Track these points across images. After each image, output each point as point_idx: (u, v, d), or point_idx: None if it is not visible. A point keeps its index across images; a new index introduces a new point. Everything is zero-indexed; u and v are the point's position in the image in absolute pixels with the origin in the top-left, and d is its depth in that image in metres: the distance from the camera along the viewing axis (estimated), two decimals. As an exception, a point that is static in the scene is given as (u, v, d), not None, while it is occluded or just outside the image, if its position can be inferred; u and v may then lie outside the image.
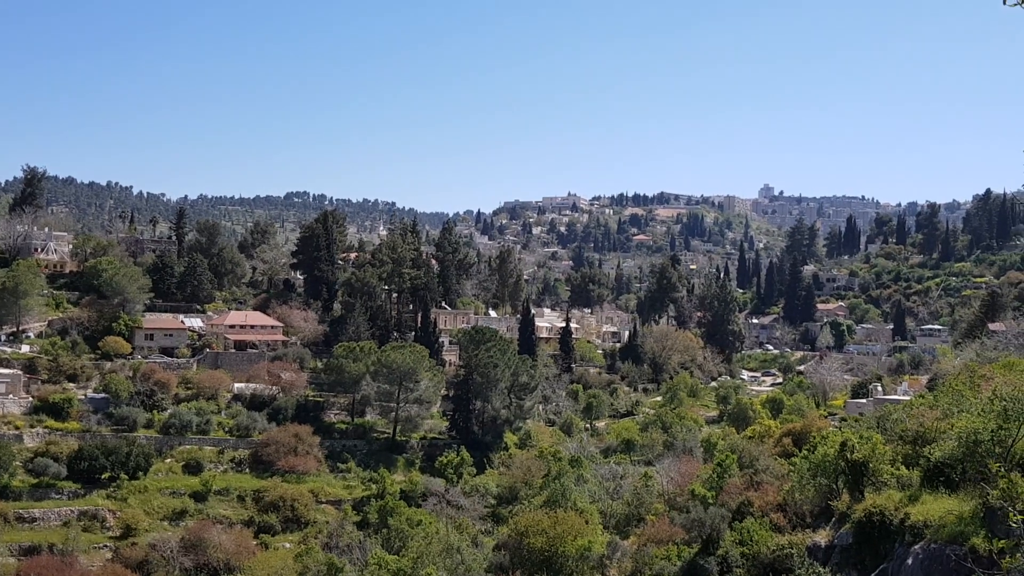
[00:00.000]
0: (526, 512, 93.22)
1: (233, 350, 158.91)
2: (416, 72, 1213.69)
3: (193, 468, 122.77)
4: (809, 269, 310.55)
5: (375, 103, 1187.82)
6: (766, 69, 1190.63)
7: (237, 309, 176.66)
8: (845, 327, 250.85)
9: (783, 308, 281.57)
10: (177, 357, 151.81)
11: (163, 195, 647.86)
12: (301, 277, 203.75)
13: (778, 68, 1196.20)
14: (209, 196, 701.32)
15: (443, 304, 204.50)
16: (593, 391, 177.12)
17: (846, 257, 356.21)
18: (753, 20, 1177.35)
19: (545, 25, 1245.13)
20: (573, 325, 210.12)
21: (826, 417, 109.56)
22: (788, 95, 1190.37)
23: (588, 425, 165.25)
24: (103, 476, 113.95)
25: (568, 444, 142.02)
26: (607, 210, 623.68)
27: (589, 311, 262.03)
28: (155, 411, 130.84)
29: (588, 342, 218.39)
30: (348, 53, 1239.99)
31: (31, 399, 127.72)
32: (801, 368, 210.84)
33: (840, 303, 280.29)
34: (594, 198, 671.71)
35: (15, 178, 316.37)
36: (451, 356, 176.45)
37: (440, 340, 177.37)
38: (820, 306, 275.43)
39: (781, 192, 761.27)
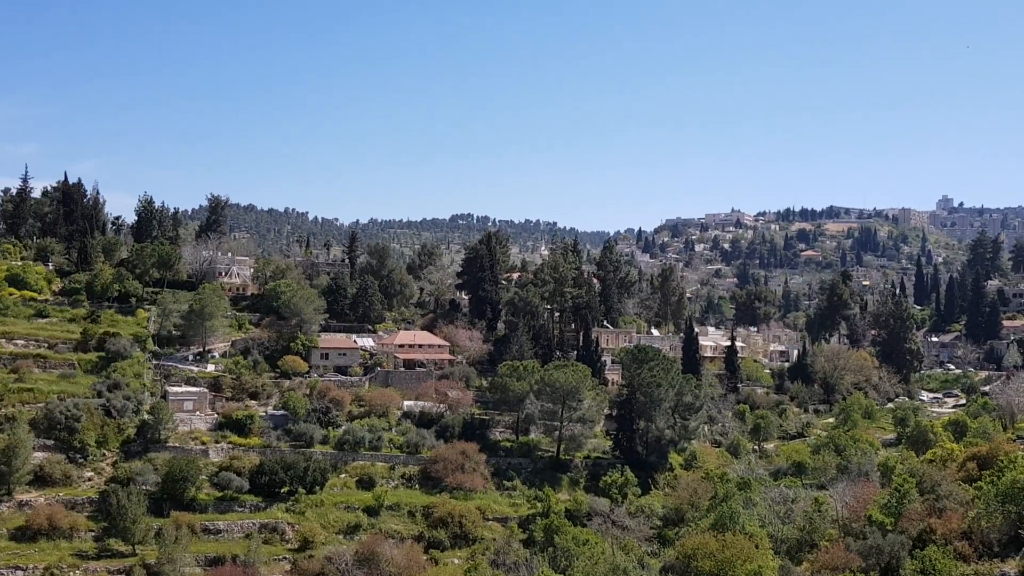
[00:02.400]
0: (693, 534, 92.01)
1: (402, 369, 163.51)
2: (576, 89, 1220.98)
3: (366, 483, 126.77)
4: (993, 284, 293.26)
5: (536, 124, 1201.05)
6: (942, 67, 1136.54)
7: (406, 329, 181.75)
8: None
9: (965, 325, 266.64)
10: (350, 375, 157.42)
11: (336, 220, 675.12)
12: (466, 297, 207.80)
13: (955, 66, 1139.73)
14: (379, 220, 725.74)
15: (605, 323, 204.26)
16: (761, 412, 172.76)
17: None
18: (932, 11, 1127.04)
19: (705, 37, 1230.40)
20: (739, 344, 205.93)
21: (1014, 441, 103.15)
22: (967, 97, 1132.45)
23: (756, 447, 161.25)
24: (282, 490, 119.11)
25: (735, 466, 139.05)
26: (773, 225, 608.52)
27: (755, 329, 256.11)
28: (330, 427, 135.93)
29: (754, 361, 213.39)
30: (508, 74, 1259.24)
31: (216, 415, 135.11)
32: (986, 389, 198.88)
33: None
34: (759, 213, 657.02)
35: (200, 206, 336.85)
36: (613, 375, 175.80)
37: (602, 359, 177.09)
38: (1006, 323, 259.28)
39: (961, 204, 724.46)
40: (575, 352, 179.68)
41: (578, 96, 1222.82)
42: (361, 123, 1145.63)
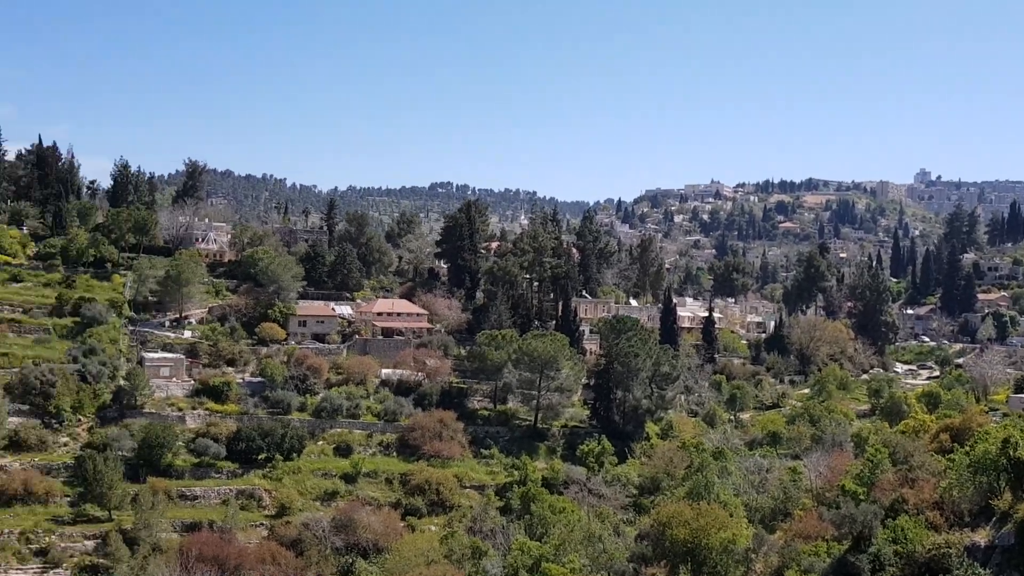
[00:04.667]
0: (668, 503, 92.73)
1: (380, 337, 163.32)
2: (557, 57, 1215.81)
3: (343, 451, 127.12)
4: (969, 257, 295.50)
5: (516, 94, 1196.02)
6: (920, 46, 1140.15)
7: (384, 297, 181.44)
8: (1008, 318, 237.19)
9: (940, 298, 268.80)
10: (328, 343, 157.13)
11: (315, 187, 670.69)
12: (445, 266, 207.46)
13: (932, 45, 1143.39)
14: (358, 187, 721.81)
15: (584, 293, 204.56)
16: (737, 382, 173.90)
17: (1009, 245, 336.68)
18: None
19: (688, 9, 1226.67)
20: (716, 315, 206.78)
21: (987, 413, 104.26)
22: (945, 73, 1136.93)
23: (732, 417, 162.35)
24: (259, 457, 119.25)
25: (711, 436, 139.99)
26: (752, 197, 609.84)
27: (733, 301, 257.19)
28: (308, 395, 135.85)
29: (732, 332, 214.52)
30: (490, 42, 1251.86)
31: (193, 382, 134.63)
32: (960, 361, 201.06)
33: (1003, 293, 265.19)
34: (738, 185, 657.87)
35: (177, 171, 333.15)
36: (592, 345, 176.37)
37: (581, 329, 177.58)
38: (981, 296, 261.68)
39: (939, 177, 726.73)
40: (553, 322, 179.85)
41: (559, 64, 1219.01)
42: (341, 89, 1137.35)
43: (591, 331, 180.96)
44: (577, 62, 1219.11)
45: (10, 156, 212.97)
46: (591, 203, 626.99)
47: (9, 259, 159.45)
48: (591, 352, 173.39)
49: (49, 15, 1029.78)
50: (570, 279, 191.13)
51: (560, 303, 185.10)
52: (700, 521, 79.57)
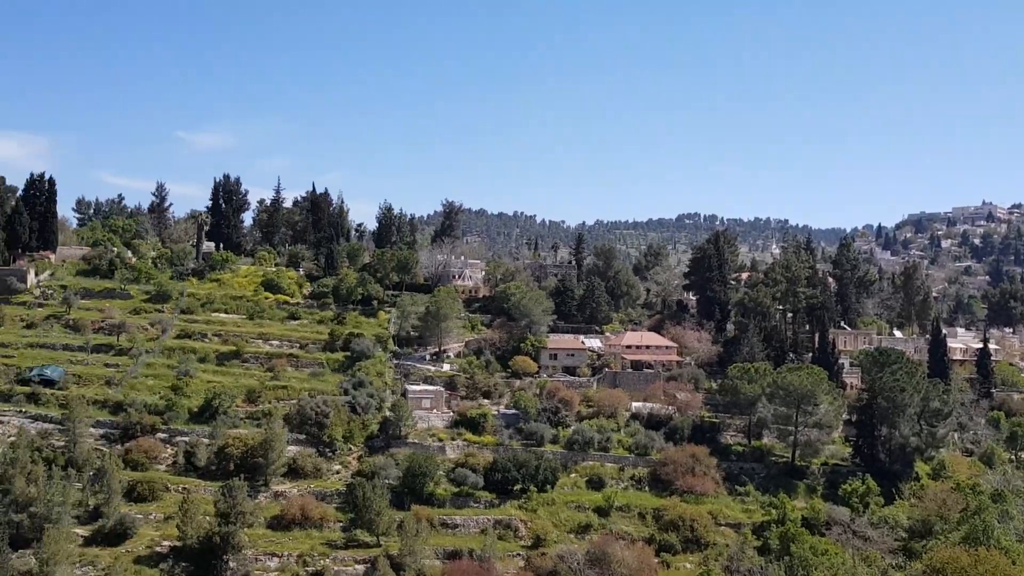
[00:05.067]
0: (942, 548, 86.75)
1: (630, 370, 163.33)
2: (808, 80, 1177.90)
3: (595, 484, 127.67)
4: None
5: (765, 122, 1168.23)
6: None
7: (632, 330, 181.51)
8: None
9: None
10: (578, 376, 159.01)
11: (563, 222, 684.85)
12: (693, 298, 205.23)
13: None
14: (605, 221, 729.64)
15: (842, 324, 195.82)
16: (1017, 419, 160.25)
17: None
18: None
19: (949, 27, 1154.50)
20: (992, 346, 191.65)
21: None
22: None
23: (1012, 457, 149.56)
24: (515, 488, 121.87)
25: (989, 476, 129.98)
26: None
27: (1010, 331, 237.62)
28: (560, 427, 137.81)
29: (1010, 365, 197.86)
30: (737, 74, 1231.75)
31: (452, 414, 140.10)
32: None
33: None
34: (1014, 206, 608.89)
35: (435, 212, 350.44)
36: (852, 379, 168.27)
37: (839, 362, 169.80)
38: None
39: None
40: (810, 354, 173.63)
41: (810, 88, 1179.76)
42: (587, 126, 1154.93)
43: (851, 364, 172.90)
44: (833, 84, 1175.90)
45: (288, 204, 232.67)
46: (847, 229, 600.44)
47: (288, 298, 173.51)
48: (851, 386, 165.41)
49: (322, 76, 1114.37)
50: (826, 309, 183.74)
51: (816, 335, 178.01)
52: (979, 569, 73.97)
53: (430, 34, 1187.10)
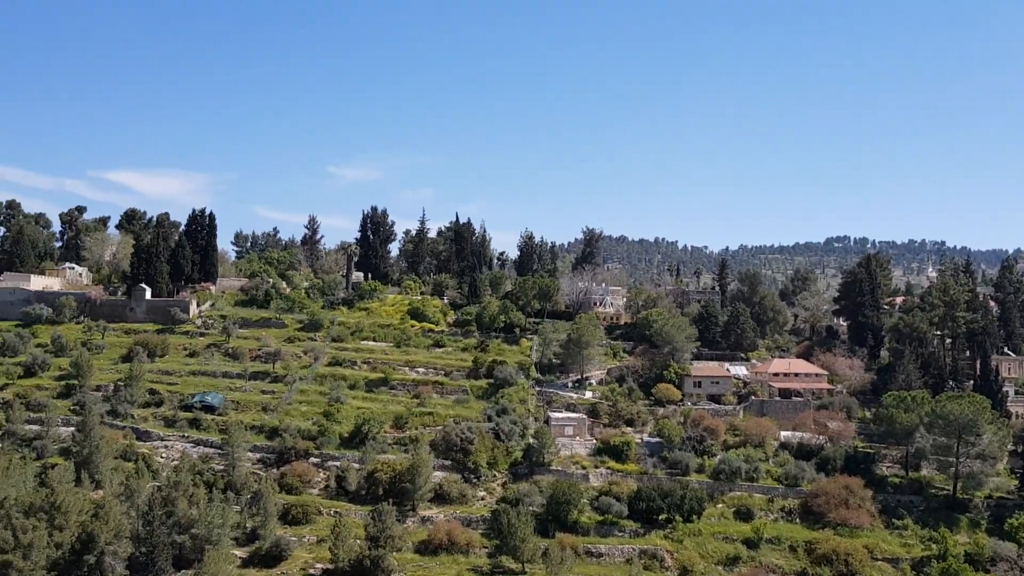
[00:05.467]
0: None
1: (777, 398, 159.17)
2: (962, 92, 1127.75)
3: (743, 514, 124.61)
4: None
5: (916, 135, 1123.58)
6: None
7: (780, 357, 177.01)
8: None
9: None
10: (723, 404, 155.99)
11: (705, 247, 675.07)
12: (844, 324, 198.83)
13: None
14: (749, 246, 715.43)
15: (1005, 350, 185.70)
16: None
17: None
18: None
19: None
20: None
21: None
22: None
23: None
24: (659, 517, 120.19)
25: None
26: None
27: None
28: (705, 456, 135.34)
29: None
30: (872, 87, 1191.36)
31: (594, 441, 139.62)
32: None
33: None
34: None
35: (576, 239, 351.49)
36: (1017, 407, 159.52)
37: (1003, 389, 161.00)
38: None
39: None
40: (971, 382, 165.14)
41: (965, 101, 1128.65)
42: (729, 150, 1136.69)
43: (1016, 392, 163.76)
44: (988, 94, 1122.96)
45: (432, 233, 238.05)
46: (1010, 251, 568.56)
47: (432, 326, 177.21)
48: (1017, 415, 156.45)
49: (463, 109, 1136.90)
50: (988, 334, 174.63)
51: (977, 361, 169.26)
52: None
53: (570, 65, 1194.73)
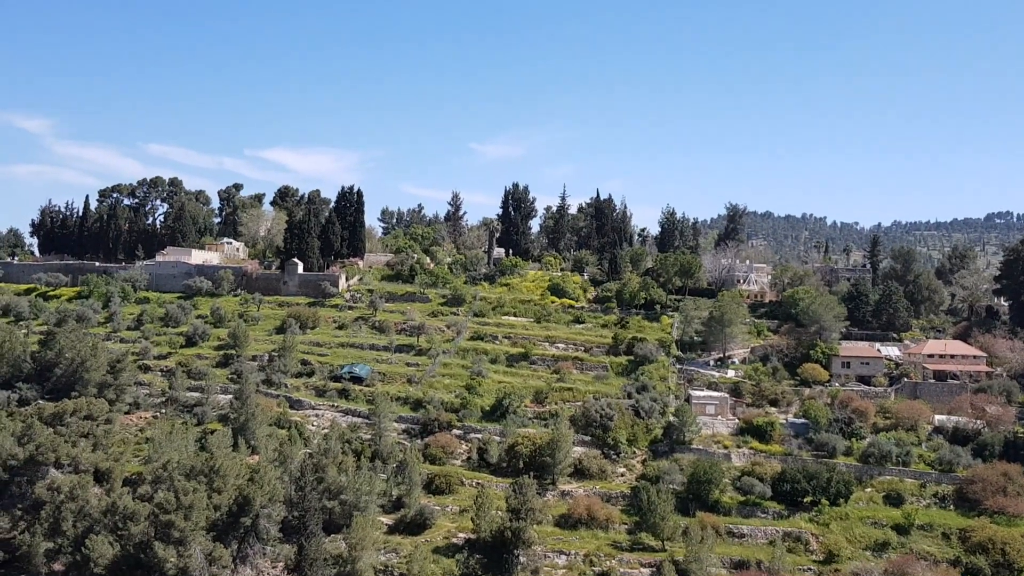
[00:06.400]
0: None
1: (932, 380, 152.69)
2: None
3: (893, 500, 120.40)
4: None
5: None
6: None
7: (935, 338, 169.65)
8: None
9: None
10: (873, 386, 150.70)
11: (856, 223, 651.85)
12: (1005, 304, 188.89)
13: None
14: (903, 222, 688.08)
15: None
16: None
17: None
18: None
19: None
20: None
21: None
22: None
23: None
24: (804, 500, 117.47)
25: None
26: None
27: None
28: (853, 439, 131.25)
29: None
30: None
31: (736, 421, 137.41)
32: None
33: None
34: None
35: (719, 215, 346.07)
36: None
37: None
38: None
39: None
40: None
41: None
42: (880, 121, 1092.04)
43: None
44: None
45: (572, 210, 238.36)
46: None
47: (573, 302, 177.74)
48: None
49: (604, 85, 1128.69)
50: None
51: None
52: None
53: (711, 39, 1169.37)
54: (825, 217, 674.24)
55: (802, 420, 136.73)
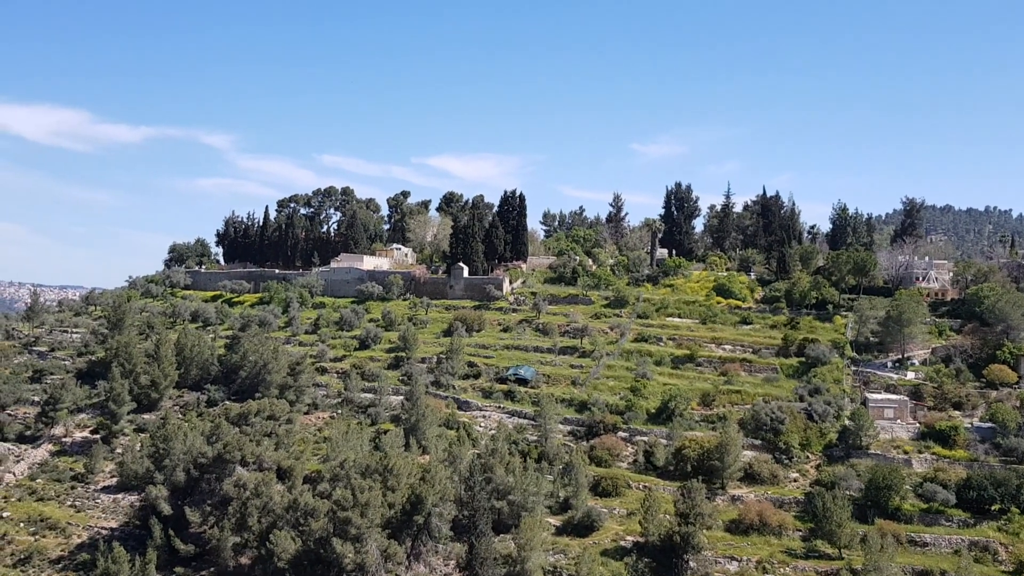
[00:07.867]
0: None
1: None
2: None
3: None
4: None
5: None
6: None
7: None
8: None
9: None
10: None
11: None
12: None
13: None
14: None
15: None
16: None
17: None
18: None
19: None
20: None
21: None
22: None
23: None
24: (992, 508, 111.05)
25: None
26: None
27: None
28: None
29: None
30: None
31: (917, 424, 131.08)
32: None
33: None
34: None
35: (894, 210, 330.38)
36: None
37: None
38: None
39: None
40: None
41: None
42: None
43: None
44: None
45: (737, 208, 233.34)
46: None
47: (739, 303, 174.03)
48: None
49: (766, 80, 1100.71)
50: None
51: None
52: None
53: (881, 27, 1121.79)
54: (1011, 209, 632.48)
55: (988, 424, 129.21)
